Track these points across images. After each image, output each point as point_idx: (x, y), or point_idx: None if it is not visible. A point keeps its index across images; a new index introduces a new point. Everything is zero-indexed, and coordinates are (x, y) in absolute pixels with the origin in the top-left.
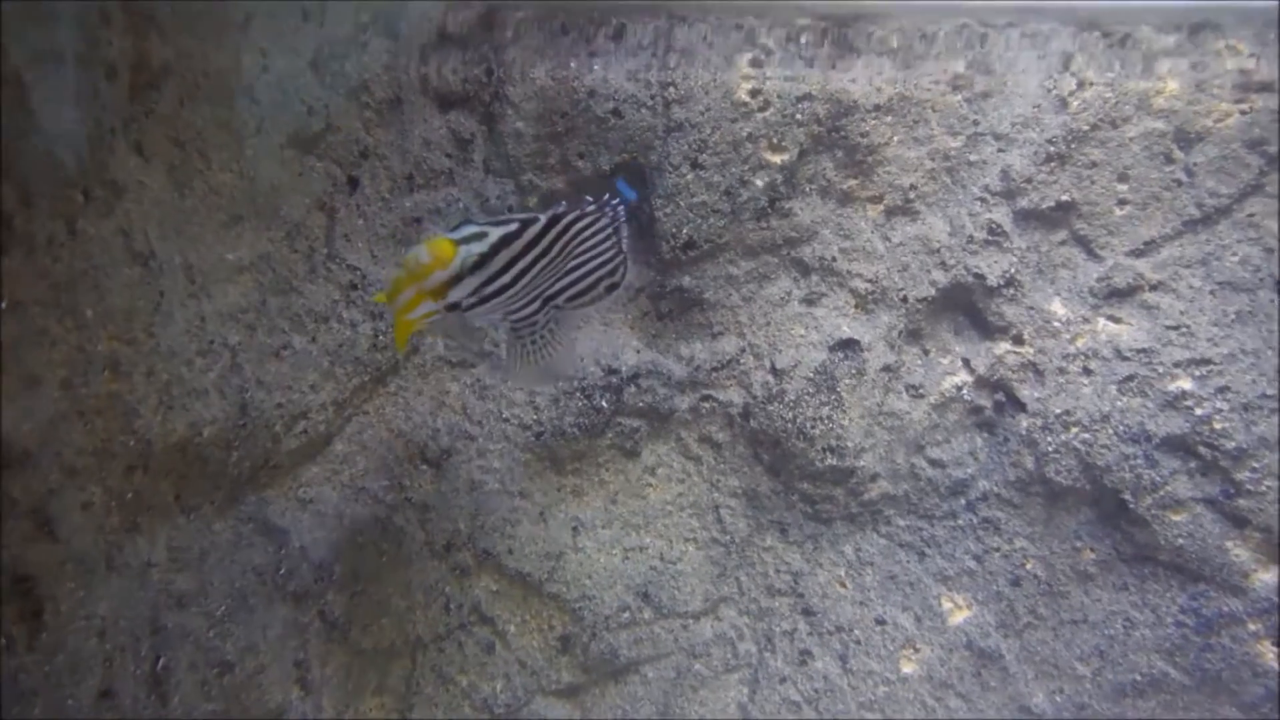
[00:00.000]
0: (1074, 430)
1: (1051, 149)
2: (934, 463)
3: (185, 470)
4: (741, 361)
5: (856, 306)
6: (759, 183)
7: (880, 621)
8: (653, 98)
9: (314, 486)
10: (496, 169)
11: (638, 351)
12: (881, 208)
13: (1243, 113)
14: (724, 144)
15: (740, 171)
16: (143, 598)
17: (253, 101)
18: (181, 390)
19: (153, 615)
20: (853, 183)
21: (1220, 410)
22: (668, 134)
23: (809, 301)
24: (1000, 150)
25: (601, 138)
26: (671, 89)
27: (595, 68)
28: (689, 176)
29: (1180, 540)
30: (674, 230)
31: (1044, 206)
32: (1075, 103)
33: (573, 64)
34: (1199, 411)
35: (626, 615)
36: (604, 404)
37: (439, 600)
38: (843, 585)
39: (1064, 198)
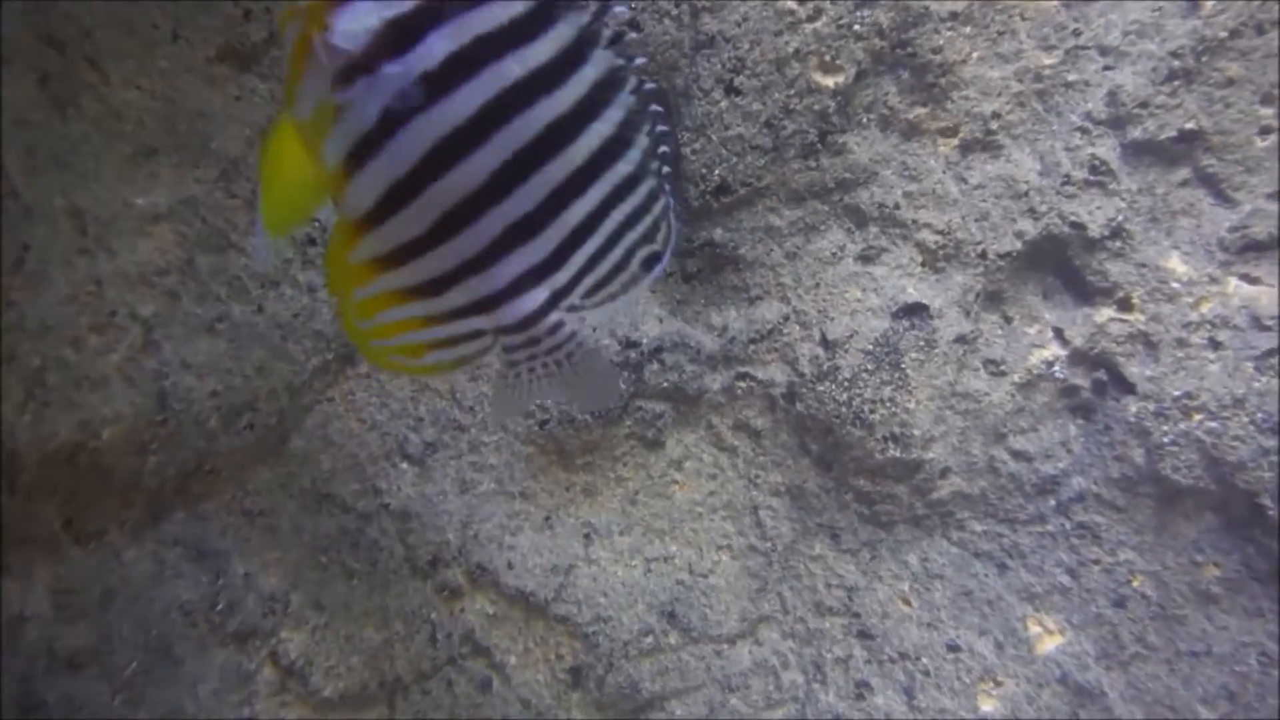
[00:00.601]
0: (1197, 417)
1: (1175, 64)
2: (1018, 455)
3: (77, 485)
4: (785, 332)
5: (924, 264)
6: (807, 111)
7: (953, 648)
8: (678, 5)
9: (265, 495)
10: None
11: (660, 320)
12: (956, 142)
13: None
14: (765, 63)
15: (784, 97)
16: (10, 665)
17: None
18: (63, 378)
19: (24, 688)
20: (921, 111)
21: None
22: (696, 51)
23: (867, 258)
24: (1107, 67)
25: None
26: None
27: None
28: (723, 104)
29: None
30: (704, 171)
31: (1162, 138)
32: (1210, 2)
33: None
34: None
35: (649, 640)
36: (621, 385)
37: (423, 630)
38: (907, 603)
39: (1189, 126)
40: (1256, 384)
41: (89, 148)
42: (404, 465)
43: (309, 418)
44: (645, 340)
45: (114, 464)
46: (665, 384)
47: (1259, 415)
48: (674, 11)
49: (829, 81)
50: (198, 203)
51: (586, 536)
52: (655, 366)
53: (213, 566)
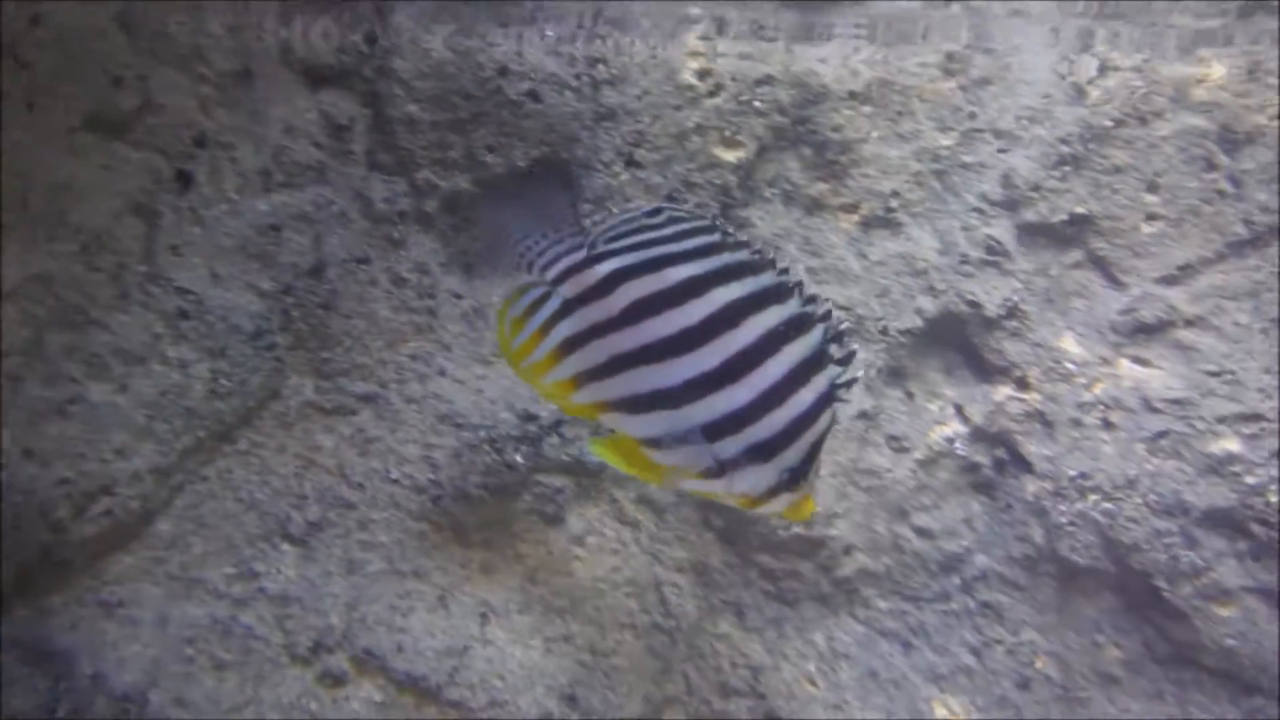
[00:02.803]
0: (1093, 498)
1: (1065, 150)
2: (921, 532)
3: None
4: None
5: None
6: (708, 185)
7: None
8: (578, 77)
9: (125, 583)
10: (384, 164)
11: None
12: (857, 218)
13: None
14: (666, 137)
15: (685, 171)
16: None
17: (20, 65)
18: None
19: None
20: (823, 187)
21: (1276, 479)
22: (597, 123)
23: None
24: (1002, 150)
25: (515, 126)
26: (601, 67)
27: (507, 38)
28: (623, 177)
29: (1229, 640)
30: None
31: (1055, 220)
32: (1095, 92)
33: (479, 32)
34: (1249, 480)
35: None
36: (519, 459)
37: None
38: (813, 684)
39: (1079, 210)
40: (1149, 466)
41: None
42: (285, 546)
43: (180, 499)
44: (545, 413)
45: None
46: (565, 458)
47: (1152, 497)
48: (574, 84)
49: (730, 156)
50: (52, 279)
51: (483, 616)
52: (555, 440)
53: (54, 669)
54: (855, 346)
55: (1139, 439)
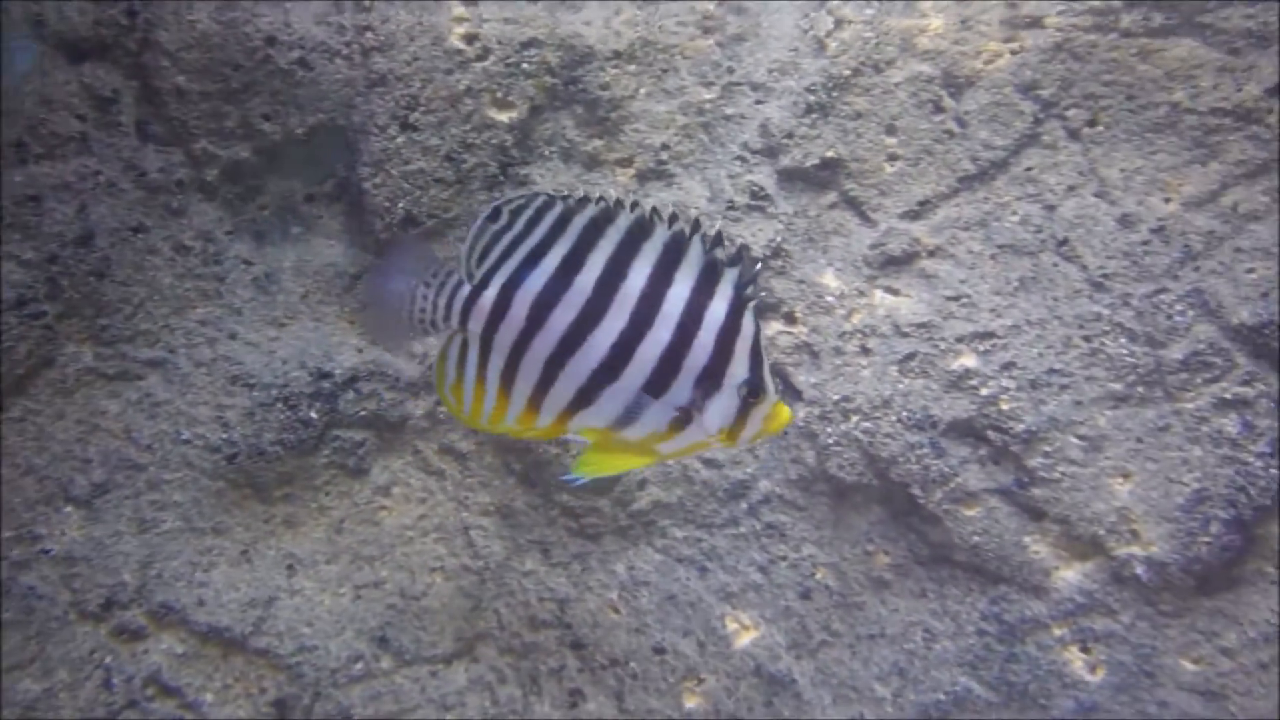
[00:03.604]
0: (854, 419)
1: (812, 98)
2: (709, 463)
3: None
4: None
5: None
6: (486, 145)
7: (659, 650)
8: (348, 45)
9: None
10: (157, 134)
11: (359, 350)
12: (633, 171)
13: (1013, 53)
14: (439, 100)
15: (461, 133)
16: None
17: None
18: None
19: None
20: (598, 143)
21: (1007, 389)
22: (370, 89)
23: None
24: (758, 102)
25: (290, 95)
26: (369, 34)
27: (273, 9)
28: (400, 140)
29: (975, 538)
30: (387, 204)
31: (809, 165)
32: (833, 44)
33: (243, 5)
34: (984, 392)
35: (360, 666)
36: (313, 415)
37: (95, 675)
38: (615, 611)
39: (829, 154)
40: (900, 385)
41: None
42: (68, 509)
43: None
44: (339, 371)
45: None
46: (364, 412)
47: (904, 414)
48: (345, 51)
49: (504, 117)
50: None
51: (289, 568)
52: (351, 396)
53: None
54: (741, 241)
55: (891, 361)
